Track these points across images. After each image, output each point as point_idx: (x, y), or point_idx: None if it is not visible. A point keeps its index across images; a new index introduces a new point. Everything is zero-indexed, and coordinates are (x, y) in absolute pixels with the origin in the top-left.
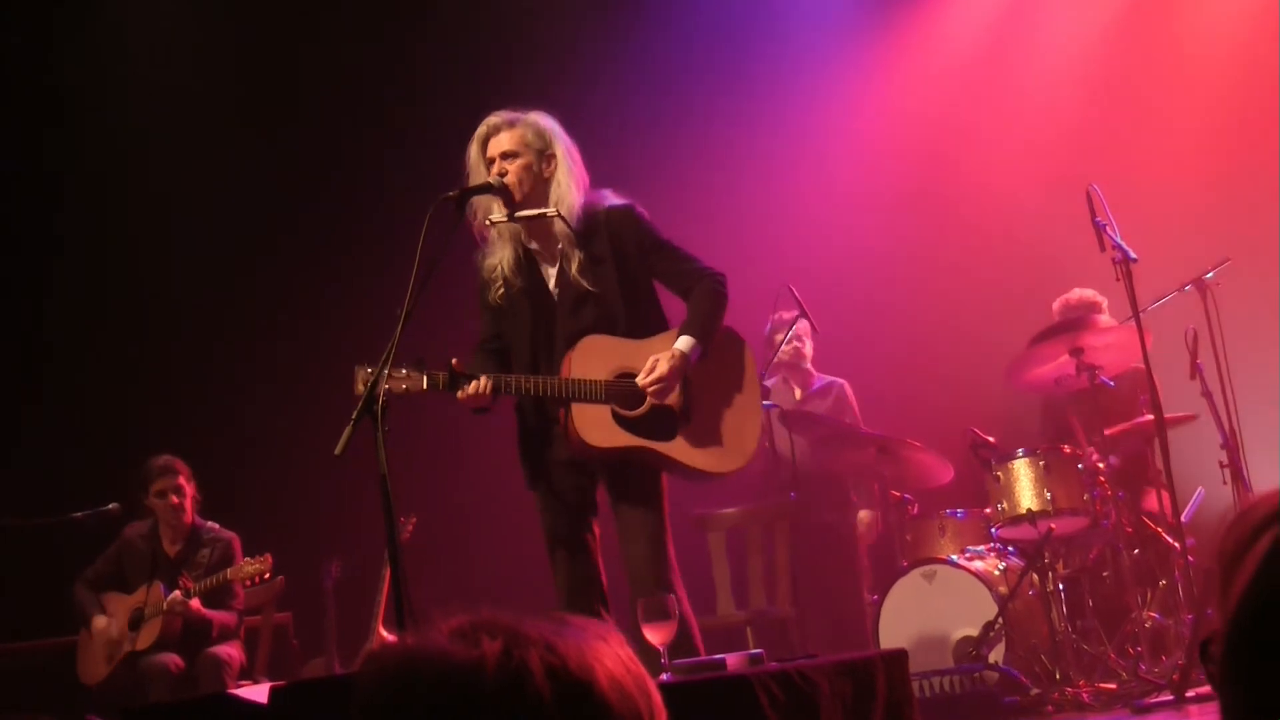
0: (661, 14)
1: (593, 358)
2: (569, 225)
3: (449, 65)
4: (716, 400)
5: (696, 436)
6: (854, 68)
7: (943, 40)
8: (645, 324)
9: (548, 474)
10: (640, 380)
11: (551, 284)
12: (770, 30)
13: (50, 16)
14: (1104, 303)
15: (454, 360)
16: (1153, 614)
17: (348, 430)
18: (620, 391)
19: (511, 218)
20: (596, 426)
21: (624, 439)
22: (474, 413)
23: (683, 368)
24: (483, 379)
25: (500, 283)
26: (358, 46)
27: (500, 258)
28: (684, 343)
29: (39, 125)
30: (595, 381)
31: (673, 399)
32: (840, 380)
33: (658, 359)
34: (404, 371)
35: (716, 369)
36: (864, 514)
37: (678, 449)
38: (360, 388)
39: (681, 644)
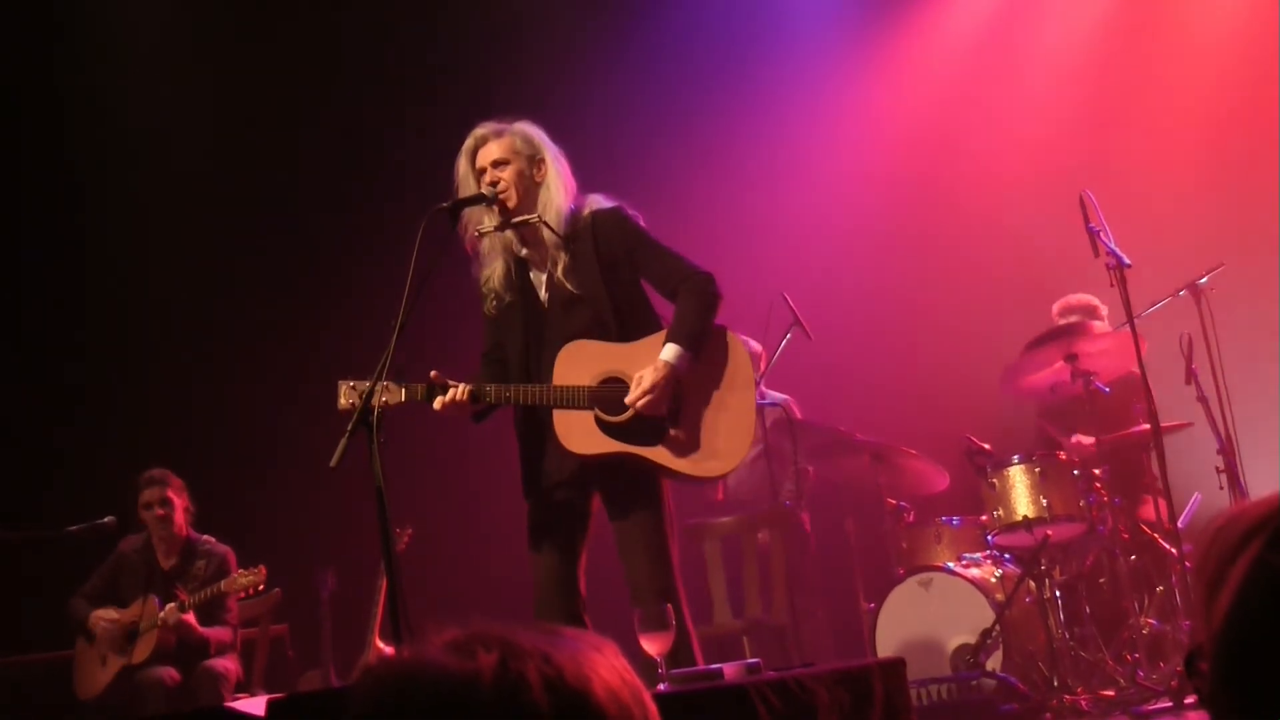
0: (655, 22)
1: (577, 364)
2: (553, 230)
3: (445, 75)
4: (707, 402)
5: (684, 440)
6: (847, 74)
7: (935, 47)
8: (637, 326)
9: (539, 483)
10: (628, 399)
11: (542, 291)
12: (764, 37)
13: (48, 19)
14: (1104, 309)
15: (433, 372)
16: (1150, 620)
17: (343, 442)
18: (605, 397)
19: (502, 227)
20: (579, 433)
21: (607, 445)
22: (474, 420)
23: (671, 378)
24: (461, 387)
25: (493, 295)
26: (353, 55)
27: (491, 269)
28: (670, 352)
29: (37, 135)
30: (579, 387)
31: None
32: (784, 397)
33: (643, 374)
34: (384, 384)
35: (709, 369)
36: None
37: (664, 454)
38: (343, 402)
39: (680, 654)
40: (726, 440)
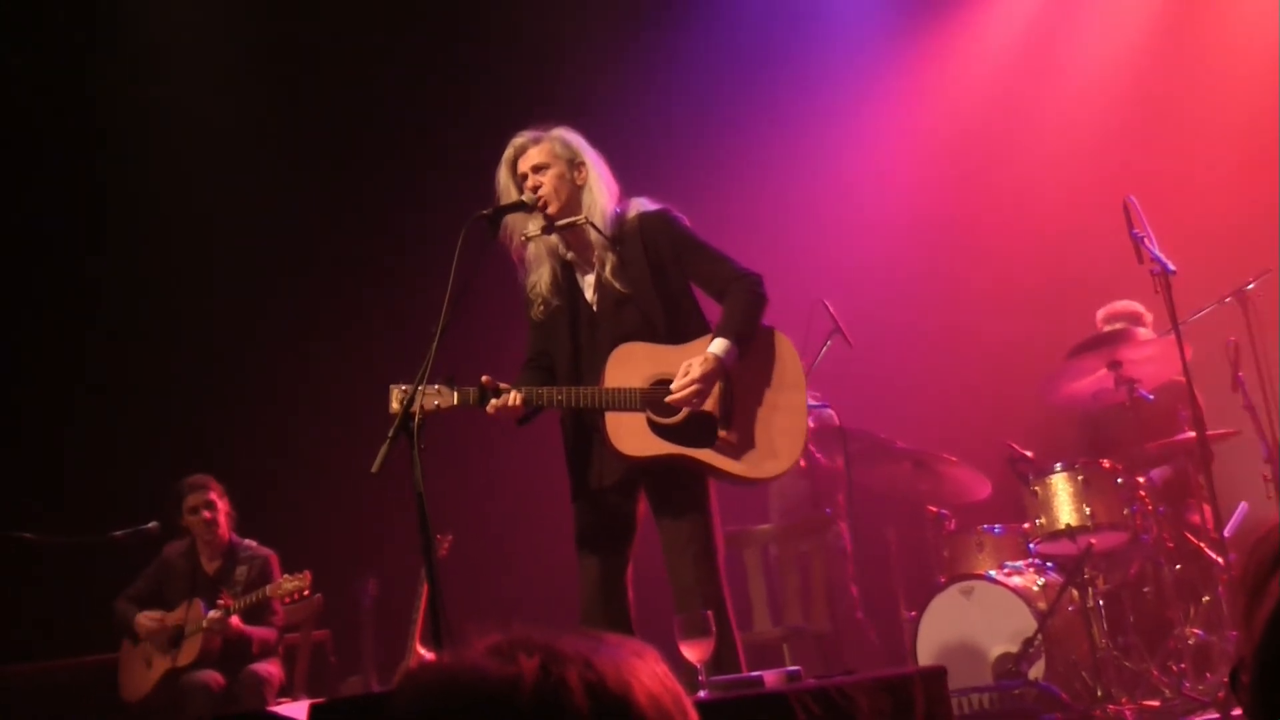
0: (697, 28)
1: (628, 365)
2: (600, 231)
3: (484, 82)
4: (759, 402)
5: (737, 441)
6: (890, 80)
7: (977, 52)
8: (685, 327)
9: (587, 487)
10: (674, 386)
11: (589, 293)
12: (804, 43)
13: (90, 37)
14: (1149, 316)
15: (484, 377)
16: (1196, 630)
17: (384, 448)
18: (656, 399)
19: (548, 230)
20: (632, 435)
21: (660, 447)
22: (517, 424)
23: (718, 371)
24: (513, 393)
25: (540, 299)
26: (392, 65)
27: (539, 274)
28: (718, 345)
29: (73, 148)
30: (631, 389)
31: (711, 403)
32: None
33: (690, 363)
34: (436, 388)
35: (758, 369)
36: None
37: (717, 455)
38: (395, 406)
39: (724, 659)
40: (780, 440)
